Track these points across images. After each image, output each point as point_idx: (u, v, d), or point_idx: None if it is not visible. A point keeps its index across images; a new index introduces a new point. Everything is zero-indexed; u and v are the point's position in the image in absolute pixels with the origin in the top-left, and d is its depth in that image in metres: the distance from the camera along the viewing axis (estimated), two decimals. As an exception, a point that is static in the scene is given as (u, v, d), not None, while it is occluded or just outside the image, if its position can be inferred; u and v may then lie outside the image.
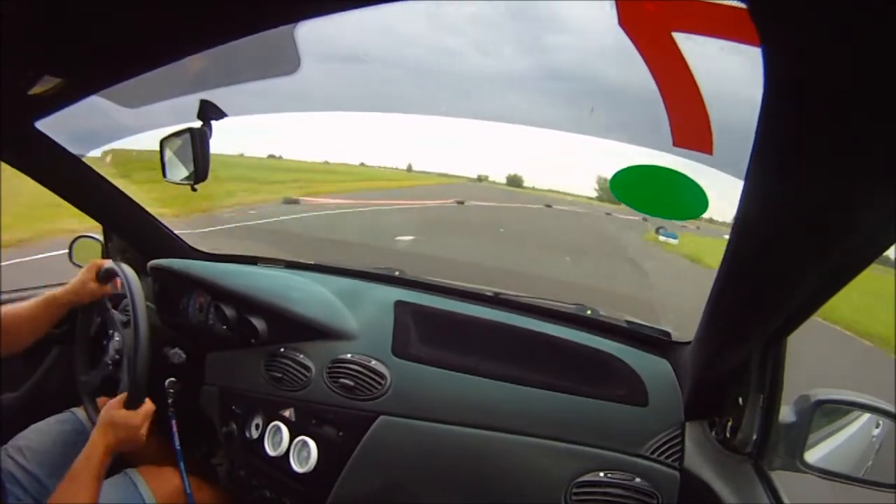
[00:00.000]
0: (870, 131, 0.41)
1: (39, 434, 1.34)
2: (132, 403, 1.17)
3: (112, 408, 1.16)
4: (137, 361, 1.18)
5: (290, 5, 0.68)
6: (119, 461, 1.34)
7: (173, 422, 1.35)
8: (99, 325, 1.47)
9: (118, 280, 1.35)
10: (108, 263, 1.34)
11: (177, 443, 1.33)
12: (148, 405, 1.19)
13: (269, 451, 1.24)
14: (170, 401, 1.38)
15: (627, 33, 0.57)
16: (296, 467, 1.19)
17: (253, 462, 1.30)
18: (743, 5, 0.36)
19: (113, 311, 1.41)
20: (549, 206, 14.30)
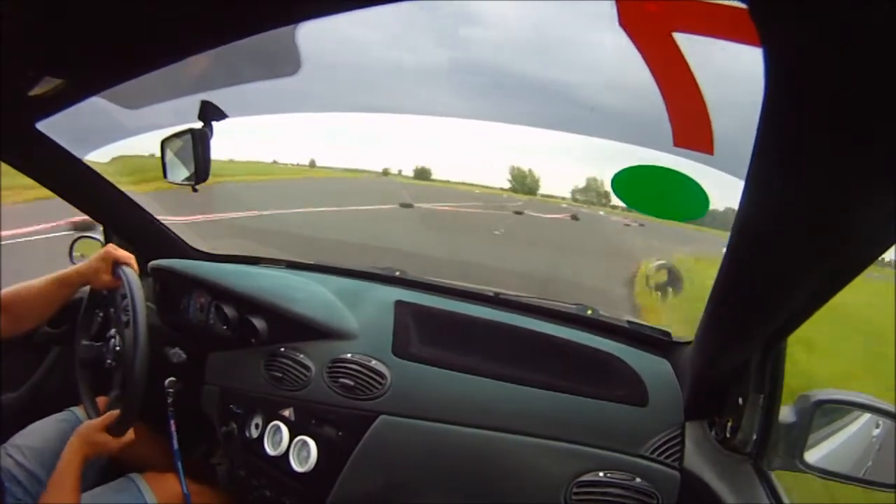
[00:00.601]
0: (870, 131, 0.41)
1: (38, 433, 1.34)
2: (118, 431, 1.20)
3: (93, 428, 1.19)
4: (133, 385, 1.19)
5: (290, 5, 0.68)
6: (122, 466, 1.35)
7: (172, 422, 1.35)
8: (102, 319, 1.47)
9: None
10: (122, 255, 1.33)
11: (175, 443, 1.33)
12: (129, 436, 1.22)
13: (269, 450, 1.24)
14: (169, 400, 1.38)
15: (628, 33, 0.57)
16: (295, 467, 1.20)
17: (252, 462, 1.31)
18: (743, 5, 0.36)
19: (119, 308, 1.42)
20: (407, 205, 10.60)
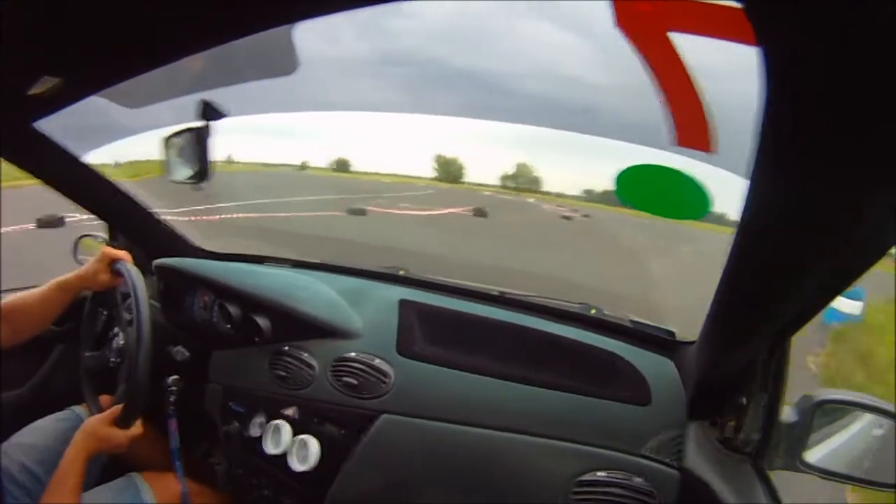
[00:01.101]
0: (869, 129, 0.40)
1: (40, 432, 1.35)
2: (125, 423, 1.19)
3: (100, 421, 1.19)
4: (138, 378, 1.19)
5: (289, 5, 0.68)
6: (123, 465, 1.36)
7: (173, 420, 1.36)
8: (106, 319, 1.48)
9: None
10: (119, 255, 1.33)
11: (175, 442, 1.34)
12: (136, 428, 1.21)
13: (269, 449, 1.24)
14: (171, 399, 1.38)
15: (623, 33, 0.57)
16: (295, 466, 1.20)
17: (252, 461, 1.31)
18: (739, 5, 0.36)
19: (122, 307, 1.43)
20: (53, 223, 7.25)
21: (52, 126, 1.21)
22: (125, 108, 1.22)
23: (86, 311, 1.47)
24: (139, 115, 1.26)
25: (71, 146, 1.36)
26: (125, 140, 1.65)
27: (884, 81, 0.36)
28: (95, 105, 1.04)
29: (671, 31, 0.56)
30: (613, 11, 0.56)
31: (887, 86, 0.36)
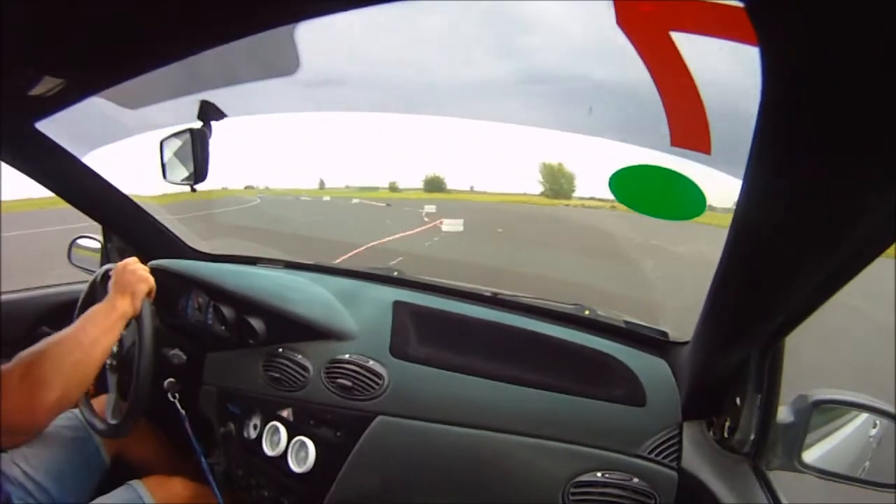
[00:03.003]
0: (868, 130, 0.41)
1: (42, 438, 1.33)
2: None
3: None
4: (140, 382, 1.20)
5: (290, 5, 0.68)
6: (124, 473, 1.34)
7: (187, 425, 1.35)
8: None
9: None
10: None
11: (196, 446, 1.33)
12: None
13: (268, 450, 1.24)
14: (178, 403, 1.37)
15: (625, 33, 0.57)
16: (294, 467, 1.20)
17: (251, 462, 1.31)
18: (740, 4, 0.36)
19: None
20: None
21: (52, 127, 1.21)
22: (126, 109, 1.22)
23: (77, 311, 1.46)
24: (138, 115, 1.26)
25: (70, 147, 1.35)
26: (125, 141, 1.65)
27: (884, 81, 0.36)
28: (95, 106, 1.04)
29: (673, 30, 0.56)
30: (615, 10, 0.56)
31: (887, 86, 0.36)
